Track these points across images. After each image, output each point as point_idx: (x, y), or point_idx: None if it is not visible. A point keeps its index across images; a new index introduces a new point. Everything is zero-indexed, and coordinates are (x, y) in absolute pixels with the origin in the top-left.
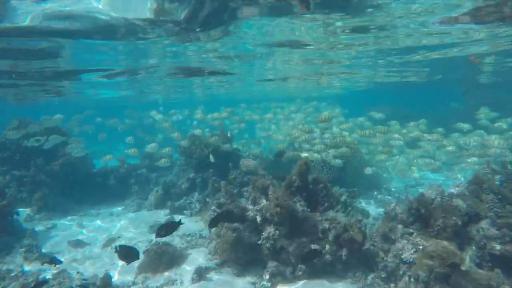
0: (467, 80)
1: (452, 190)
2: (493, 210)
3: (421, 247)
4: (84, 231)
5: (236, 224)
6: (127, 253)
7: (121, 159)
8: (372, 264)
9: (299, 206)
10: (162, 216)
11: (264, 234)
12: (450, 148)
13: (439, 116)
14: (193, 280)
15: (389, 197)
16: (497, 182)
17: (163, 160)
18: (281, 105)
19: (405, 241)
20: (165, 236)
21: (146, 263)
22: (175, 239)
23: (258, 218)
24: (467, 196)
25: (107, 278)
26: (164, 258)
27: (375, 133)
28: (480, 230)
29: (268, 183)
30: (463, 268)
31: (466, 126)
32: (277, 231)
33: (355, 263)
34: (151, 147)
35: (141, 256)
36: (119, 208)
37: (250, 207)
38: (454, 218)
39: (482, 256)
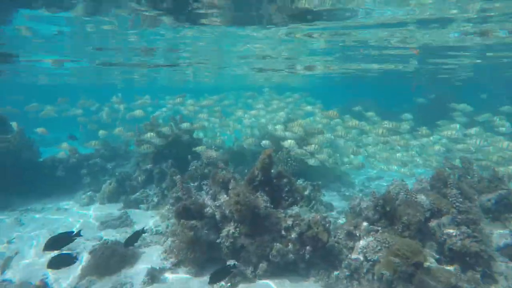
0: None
1: (416, 186)
2: (455, 205)
3: (386, 246)
4: (21, 228)
5: (193, 222)
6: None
7: (72, 148)
8: (336, 262)
9: (262, 202)
10: (115, 210)
11: (224, 232)
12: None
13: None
14: (145, 283)
15: (352, 190)
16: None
17: (92, 143)
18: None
19: (370, 239)
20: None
21: (92, 265)
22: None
23: (218, 215)
24: (430, 192)
25: (44, 285)
26: (114, 259)
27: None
28: (441, 225)
29: (229, 177)
30: (425, 265)
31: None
32: (238, 229)
33: (318, 261)
34: (116, 131)
35: (87, 257)
36: (69, 202)
37: (209, 202)
38: (418, 214)
39: (441, 251)
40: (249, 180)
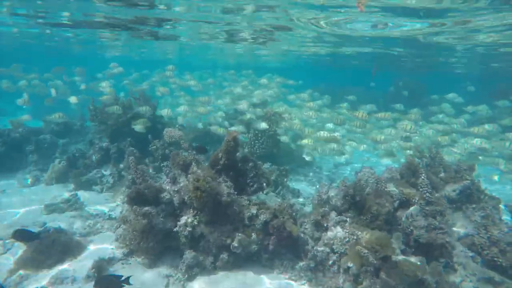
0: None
1: (385, 174)
2: (424, 196)
3: (354, 238)
4: None
5: (147, 208)
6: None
7: (15, 121)
8: (302, 253)
9: (225, 188)
10: (63, 192)
11: (182, 220)
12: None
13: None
14: (89, 277)
15: (320, 176)
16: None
17: (56, 115)
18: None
19: (338, 230)
20: None
21: (29, 256)
22: (76, 222)
23: (176, 201)
24: (399, 181)
25: None
26: (55, 249)
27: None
28: (409, 216)
29: (190, 159)
30: (393, 259)
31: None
32: (197, 217)
33: (283, 252)
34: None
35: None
36: (9, 182)
37: (168, 187)
38: (387, 205)
39: (407, 242)
40: (212, 163)
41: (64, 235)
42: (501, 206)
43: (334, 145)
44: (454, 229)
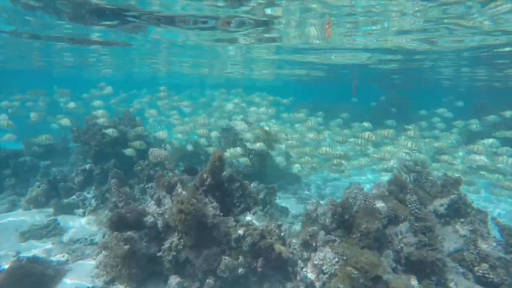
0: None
1: (373, 191)
2: (413, 212)
3: (343, 258)
4: None
5: (129, 233)
6: None
7: None
8: (291, 274)
9: (211, 209)
10: (43, 217)
11: (166, 244)
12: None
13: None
14: None
15: (309, 193)
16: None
17: (43, 137)
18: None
19: (327, 250)
20: None
21: None
22: (54, 249)
23: (160, 224)
24: (388, 198)
25: None
26: (26, 282)
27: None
28: (399, 233)
29: (175, 180)
30: (384, 278)
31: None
32: (182, 241)
33: (272, 273)
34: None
35: None
36: None
37: (152, 209)
38: (376, 222)
39: (398, 259)
40: (197, 184)
41: (39, 265)
42: (489, 219)
43: (338, 162)
44: (444, 244)
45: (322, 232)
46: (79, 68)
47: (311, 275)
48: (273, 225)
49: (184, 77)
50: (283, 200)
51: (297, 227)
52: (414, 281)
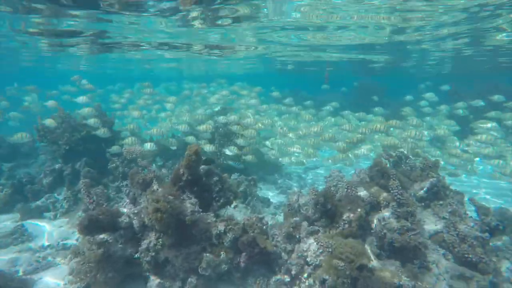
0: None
1: (355, 178)
2: (396, 198)
3: (328, 248)
4: None
5: (103, 236)
6: None
7: None
8: (275, 267)
9: (189, 205)
10: (8, 224)
11: (144, 245)
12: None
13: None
14: None
15: (290, 182)
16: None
17: (20, 135)
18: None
19: (311, 241)
20: None
21: None
22: (21, 257)
23: (136, 224)
24: (369, 184)
25: None
26: None
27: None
28: (382, 219)
29: (150, 177)
30: (369, 266)
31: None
32: (160, 240)
33: (256, 268)
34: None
35: None
36: None
37: (127, 209)
38: (359, 210)
39: (381, 245)
40: (173, 180)
41: (1, 277)
42: (465, 200)
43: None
44: (425, 227)
45: (305, 223)
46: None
47: (295, 267)
48: (254, 218)
49: (162, 69)
50: (264, 191)
51: (280, 217)
52: (397, 268)
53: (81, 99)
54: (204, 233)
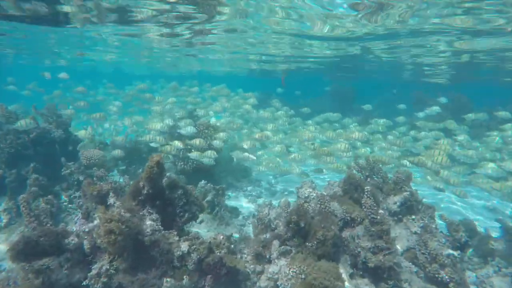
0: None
1: (327, 190)
2: (369, 217)
3: (300, 273)
4: None
5: (43, 261)
6: None
7: None
8: None
9: (149, 222)
10: None
11: (94, 270)
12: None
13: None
14: None
15: (259, 189)
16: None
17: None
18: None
19: (282, 262)
20: None
21: None
22: None
23: (87, 245)
24: (342, 198)
25: None
26: None
27: None
28: (355, 237)
29: (106, 189)
30: None
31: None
32: (114, 264)
33: None
34: None
35: None
36: None
37: (77, 226)
38: (333, 228)
39: (355, 264)
40: (132, 193)
41: None
42: (436, 214)
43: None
44: (398, 243)
45: (276, 242)
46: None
47: None
48: (222, 237)
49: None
50: (233, 199)
51: (249, 229)
52: None
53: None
54: (165, 255)
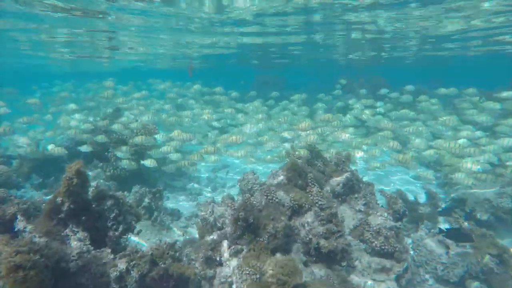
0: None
1: (270, 180)
2: (318, 204)
3: (255, 272)
4: None
5: None
6: None
7: None
8: None
9: (75, 243)
10: None
11: None
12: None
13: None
14: None
15: (199, 186)
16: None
17: None
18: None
19: (234, 263)
20: None
21: None
22: None
23: None
24: (288, 186)
25: None
26: None
27: None
28: (306, 224)
29: (12, 212)
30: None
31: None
32: None
33: None
34: None
35: None
36: None
37: None
38: (282, 218)
39: (307, 251)
40: (49, 213)
41: None
42: (375, 190)
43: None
44: (344, 223)
45: (225, 243)
46: None
47: None
48: (165, 245)
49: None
50: (171, 200)
51: (193, 230)
52: (329, 277)
53: None
54: (98, 279)
